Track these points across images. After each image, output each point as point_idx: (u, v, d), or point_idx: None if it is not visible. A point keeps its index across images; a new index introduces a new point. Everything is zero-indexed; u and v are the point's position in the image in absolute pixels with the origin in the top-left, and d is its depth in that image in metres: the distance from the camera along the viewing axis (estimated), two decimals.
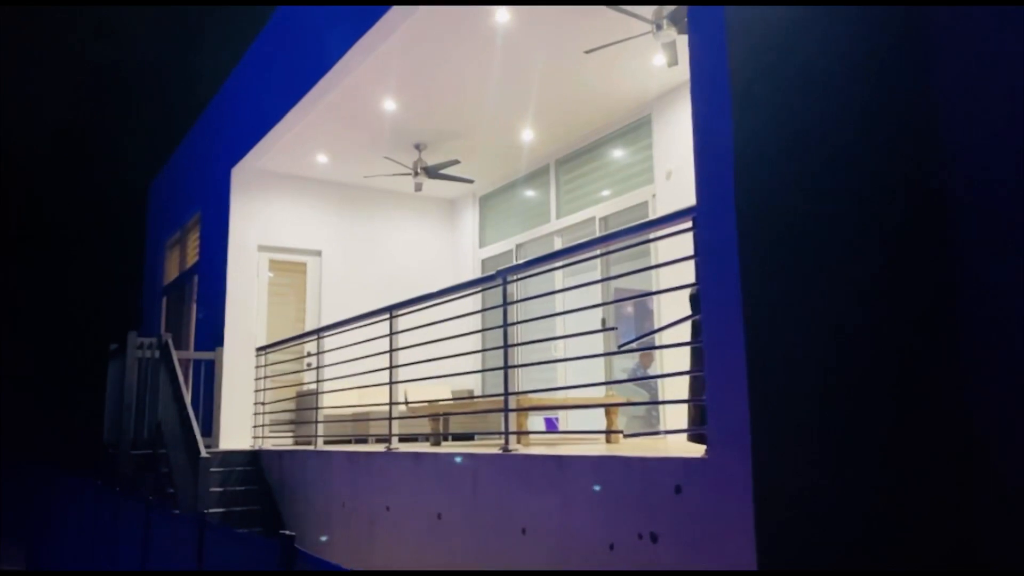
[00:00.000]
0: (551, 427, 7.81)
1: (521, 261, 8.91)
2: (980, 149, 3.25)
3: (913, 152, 3.38)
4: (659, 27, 5.38)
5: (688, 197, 3.07)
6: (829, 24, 3.26)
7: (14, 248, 19.14)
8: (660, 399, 6.52)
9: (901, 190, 3.33)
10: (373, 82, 7.01)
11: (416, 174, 8.45)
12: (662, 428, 6.08)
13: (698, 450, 3.05)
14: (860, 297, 3.10)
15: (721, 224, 2.84)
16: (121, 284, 15.52)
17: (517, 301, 4.69)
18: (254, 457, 7.52)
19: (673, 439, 4.28)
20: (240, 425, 8.12)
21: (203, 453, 6.23)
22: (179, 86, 19.20)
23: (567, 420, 7.31)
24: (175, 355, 7.33)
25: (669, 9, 5.36)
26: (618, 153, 8.07)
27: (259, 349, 8.25)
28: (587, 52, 6.00)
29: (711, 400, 2.88)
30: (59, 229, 19.63)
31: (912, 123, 3.41)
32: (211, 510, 6.25)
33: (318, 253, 9.36)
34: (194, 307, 10.09)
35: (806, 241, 2.98)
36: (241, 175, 8.98)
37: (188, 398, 7.02)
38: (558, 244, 8.67)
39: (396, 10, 5.74)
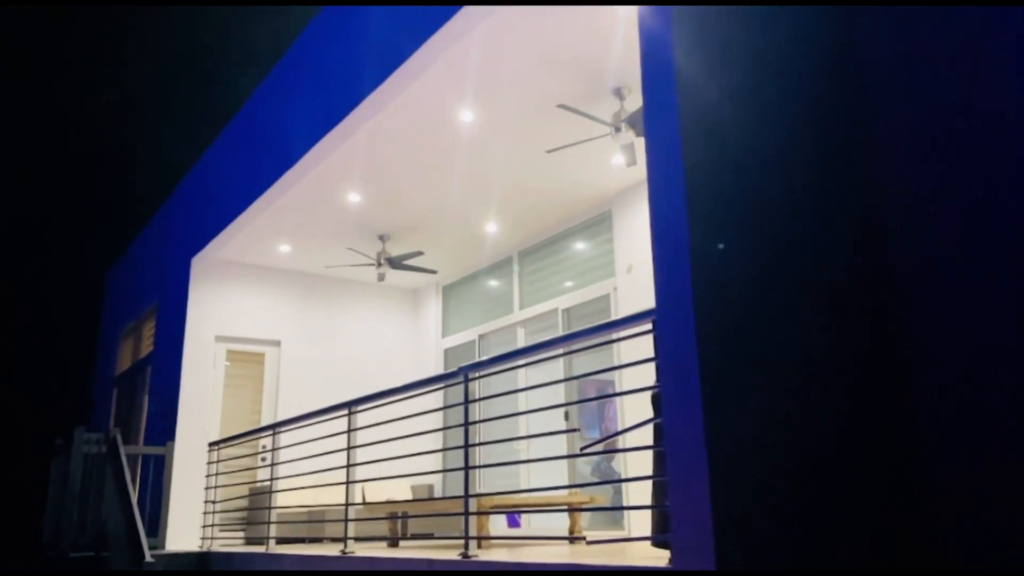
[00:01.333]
0: (513, 523, 7.60)
1: (484, 355, 8.87)
2: (913, 193, 3.35)
3: (856, 225, 3.48)
4: (617, 129, 5.56)
5: (649, 290, 3.09)
6: (779, 118, 3.40)
7: None
8: (624, 499, 6.40)
9: (851, 262, 3.41)
10: (338, 175, 7.08)
11: (379, 264, 8.45)
12: (628, 531, 5.95)
13: (663, 557, 2.96)
14: (821, 386, 3.11)
15: (680, 327, 2.85)
16: (71, 373, 15.03)
17: (479, 399, 4.62)
18: (202, 559, 7.15)
19: (638, 545, 4.18)
20: (189, 524, 7.75)
21: (147, 557, 5.91)
22: (140, 175, 19.23)
23: (529, 521, 7.12)
24: (123, 451, 7.04)
25: (628, 112, 5.56)
26: (580, 246, 8.19)
27: (212, 444, 7.97)
28: (549, 151, 6.16)
29: (674, 505, 2.82)
30: (7, 315, 19.09)
31: (855, 197, 3.52)
32: None
33: (277, 343, 9.21)
34: (146, 399, 9.78)
35: (765, 334, 3.01)
36: (201, 264, 8.89)
37: (135, 496, 6.71)
38: (521, 335, 8.66)
39: (361, 108, 5.86)
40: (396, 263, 8.44)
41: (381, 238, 8.49)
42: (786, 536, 2.82)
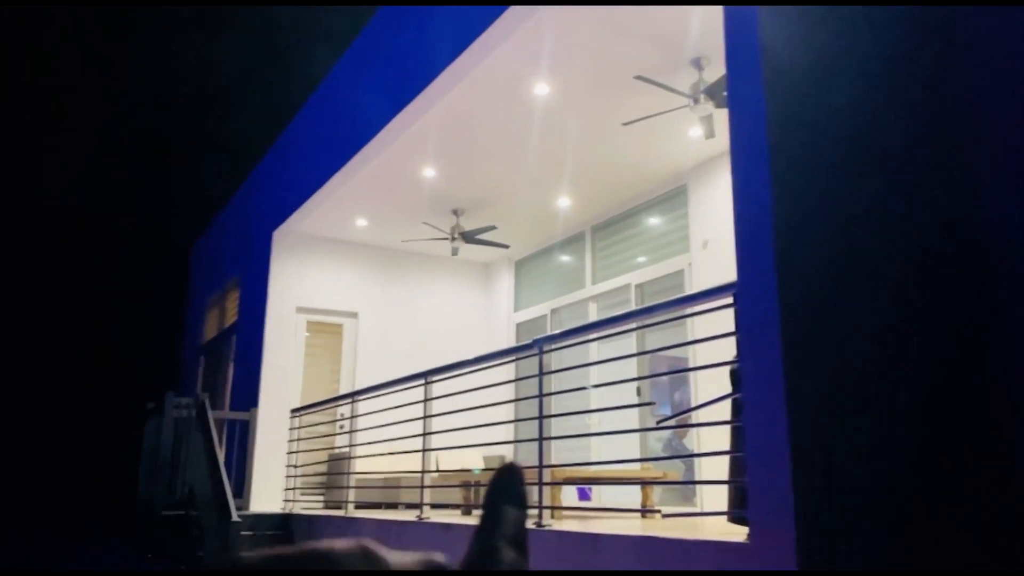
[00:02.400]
0: (583, 496, 7.65)
1: (557, 327, 8.90)
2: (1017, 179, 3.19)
3: (951, 193, 3.33)
4: (696, 101, 5.45)
5: (724, 266, 3.06)
6: (875, 91, 3.27)
7: (59, 307, 19.65)
8: (696, 474, 6.35)
9: (943, 244, 3.28)
10: (414, 150, 7.17)
11: (453, 239, 8.55)
12: (700, 506, 5.92)
13: (740, 532, 2.95)
14: (907, 366, 3.02)
15: (763, 302, 2.81)
16: (161, 343, 15.78)
17: (553, 371, 4.65)
18: (284, 521, 7.46)
19: (712, 520, 4.16)
20: (271, 487, 8.09)
21: (234, 517, 6.20)
22: (223, 153, 19.86)
23: (600, 494, 7.15)
24: (211, 415, 7.37)
25: (706, 83, 5.44)
26: (654, 221, 8.10)
27: (294, 411, 8.27)
28: (625, 124, 6.09)
29: (752, 482, 2.79)
30: (104, 290, 20.14)
31: (953, 172, 3.37)
32: None
33: (355, 315, 9.45)
34: (231, 367, 10.20)
35: (849, 312, 2.93)
36: (282, 238, 9.17)
37: (222, 459, 7.03)
38: (593, 310, 8.64)
39: (436, 83, 5.91)
40: (469, 237, 8.52)
41: (455, 212, 8.58)
42: (868, 515, 2.76)
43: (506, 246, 9.12)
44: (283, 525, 7.42)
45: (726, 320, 3.29)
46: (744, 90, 3.11)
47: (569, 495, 7.42)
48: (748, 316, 2.91)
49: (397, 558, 0.35)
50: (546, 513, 4.27)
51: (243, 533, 6.54)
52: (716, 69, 5.49)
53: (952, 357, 3.16)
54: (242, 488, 8.01)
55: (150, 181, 21.75)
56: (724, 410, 3.47)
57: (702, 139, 6.29)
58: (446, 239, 8.66)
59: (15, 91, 20.32)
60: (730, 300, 3.13)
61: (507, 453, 8.86)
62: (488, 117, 6.49)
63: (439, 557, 0.37)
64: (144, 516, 7.97)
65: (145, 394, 8.84)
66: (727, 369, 3.45)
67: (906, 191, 3.28)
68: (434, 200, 8.29)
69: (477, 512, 4.79)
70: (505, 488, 0.43)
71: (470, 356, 5.55)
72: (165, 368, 14.52)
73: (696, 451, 6.51)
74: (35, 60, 20.75)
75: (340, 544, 0.34)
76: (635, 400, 6.90)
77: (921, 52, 3.51)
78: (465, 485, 5.96)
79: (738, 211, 3.06)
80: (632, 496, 6.60)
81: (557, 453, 7.57)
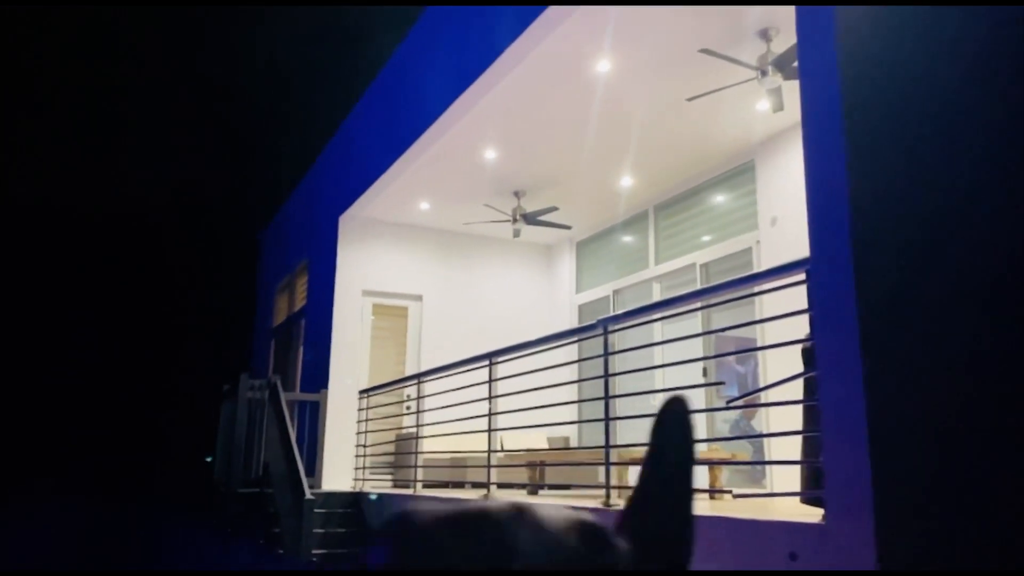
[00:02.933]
0: None
1: (619, 308, 8.83)
2: None
3: None
4: (764, 73, 5.30)
5: (794, 244, 2.98)
6: (951, 60, 3.12)
7: (136, 295, 20.47)
8: (765, 455, 6.24)
9: None
10: (475, 132, 7.18)
11: (515, 221, 8.55)
12: (770, 488, 5.82)
13: (814, 514, 2.89)
14: (994, 347, 2.89)
15: (838, 278, 2.72)
16: (234, 327, 16.31)
17: (618, 351, 4.62)
18: (355, 499, 7.65)
19: (784, 501, 4.08)
20: (341, 466, 8.29)
21: (308, 495, 6.38)
22: (289, 140, 20.29)
23: None
24: (283, 396, 7.59)
25: (775, 55, 5.28)
26: (720, 199, 7.93)
27: (362, 392, 8.45)
28: (689, 100, 5.97)
29: (828, 462, 2.73)
30: (178, 276, 20.90)
31: None
32: (315, 551, 6.38)
33: (419, 298, 9.57)
34: (301, 349, 10.46)
35: (927, 291, 2.82)
36: (348, 223, 9.33)
37: (294, 438, 7.24)
38: (656, 290, 8.54)
39: (498, 64, 5.89)
40: (531, 219, 8.51)
41: (516, 194, 8.57)
42: (949, 499, 2.67)
43: (568, 227, 9.08)
44: (353, 503, 7.61)
45: (796, 298, 3.20)
46: (816, 59, 3.01)
47: (635, 476, 7.39)
48: (822, 292, 2.83)
49: (549, 513, 0.35)
50: (613, 493, 4.26)
51: (316, 510, 6.73)
52: (784, 39, 5.32)
53: None
54: (314, 467, 8.23)
55: (222, 169, 22.39)
56: (794, 390, 3.39)
57: (770, 113, 6.12)
58: (508, 221, 8.67)
59: (91, 83, 21.14)
60: (803, 277, 3.04)
61: (572, 434, 8.88)
62: (549, 96, 6.45)
63: (587, 516, 0.37)
64: (222, 494, 8.27)
65: (220, 376, 9.16)
66: (798, 348, 3.37)
67: (995, 164, 3.12)
68: (495, 182, 8.29)
69: (542, 492, 4.82)
70: (671, 423, 0.42)
71: (533, 337, 5.56)
72: (238, 351, 15.00)
73: (764, 432, 6.39)
74: (109, 51, 21.51)
75: (493, 504, 0.34)
76: (701, 381, 6.81)
77: (1006, 15, 3.32)
78: (531, 465, 5.99)
79: (811, 185, 2.97)
80: (699, 477, 6.53)
81: (623, 434, 7.54)
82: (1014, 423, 2.86)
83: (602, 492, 4.36)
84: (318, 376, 9.00)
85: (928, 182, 2.95)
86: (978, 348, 2.88)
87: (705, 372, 6.99)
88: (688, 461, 0.41)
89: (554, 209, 8.44)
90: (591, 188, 8.41)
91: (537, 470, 5.98)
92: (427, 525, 0.32)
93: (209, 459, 11.68)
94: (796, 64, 4.37)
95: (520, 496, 5.65)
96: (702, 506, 4.43)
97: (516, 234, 8.84)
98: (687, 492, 0.40)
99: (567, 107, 6.61)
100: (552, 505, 0.37)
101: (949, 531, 2.64)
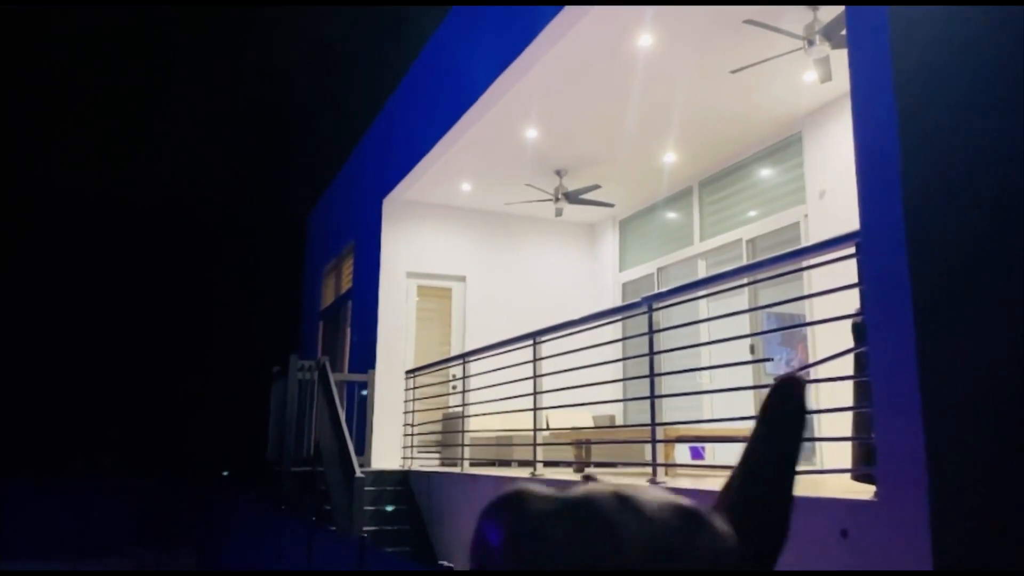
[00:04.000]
0: (696, 456, 7.58)
1: (663, 286, 8.77)
2: None
3: None
4: (811, 43, 5.17)
5: (843, 217, 2.92)
6: (1002, 27, 3.01)
7: (188, 277, 20.97)
8: (816, 431, 6.16)
9: None
10: (516, 111, 7.16)
11: (557, 200, 8.53)
12: (820, 464, 5.75)
13: (865, 491, 2.85)
14: None
15: (890, 250, 2.66)
16: (282, 309, 16.62)
17: (663, 329, 4.60)
18: (404, 477, 7.78)
19: (833, 478, 4.03)
20: (390, 445, 8.43)
21: (358, 473, 6.51)
22: (333, 123, 20.46)
23: (713, 452, 7.06)
24: (332, 377, 7.73)
25: (822, 23, 5.14)
26: (766, 173, 7.79)
27: (408, 372, 8.56)
28: (733, 72, 5.86)
29: (881, 438, 2.69)
30: (228, 259, 21.34)
31: None
32: (365, 528, 6.52)
33: (463, 279, 9.62)
34: (348, 331, 10.63)
35: (982, 264, 2.74)
36: (391, 205, 9.42)
37: (343, 418, 7.38)
38: (701, 267, 8.45)
39: (538, 41, 5.85)
40: (573, 198, 8.47)
41: (558, 173, 8.53)
42: (1005, 472, 2.61)
43: (611, 205, 9.02)
44: (403, 481, 7.74)
45: (845, 273, 3.14)
46: (865, 27, 2.93)
47: (682, 454, 7.37)
48: (874, 266, 2.77)
49: (649, 498, 0.35)
50: (660, 471, 4.26)
51: (366, 488, 6.87)
52: (832, 8, 5.17)
53: None
54: (363, 446, 8.39)
55: (269, 151, 22.72)
56: (844, 366, 3.33)
57: (817, 83, 5.98)
58: (550, 200, 8.64)
59: (135, 68, 21.57)
60: (852, 251, 2.98)
61: (617, 412, 8.88)
62: (591, 73, 6.39)
63: (686, 500, 0.38)
64: (274, 472, 8.49)
65: (270, 357, 9.36)
66: (848, 324, 3.31)
67: None
68: (537, 161, 8.27)
69: (589, 469, 4.83)
70: (783, 403, 0.42)
71: (576, 317, 5.56)
72: (287, 333, 15.30)
73: (814, 408, 6.30)
74: (151, 36, 21.91)
75: (597, 491, 0.35)
76: (748, 357, 6.74)
77: None
78: (577, 443, 6.02)
79: (861, 156, 2.90)
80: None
81: (669, 412, 7.51)
82: None
83: (648, 470, 4.36)
84: (366, 357, 9.14)
85: (984, 155, 2.86)
86: None
87: (752, 348, 6.90)
88: (797, 445, 0.41)
89: (596, 187, 8.39)
90: (634, 165, 8.33)
91: (583, 448, 6.01)
92: (538, 512, 0.33)
93: (225, 473, 12.18)
94: (844, 32, 4.26)
95: (567, 474, 5.68)
96: None
97: (558, 213, 8.82)
98: (792, 476, 0.41)
99: (608, 83, 6.54)
100: (650, 487, 0.38)
101: (1006, 509, 2.58)
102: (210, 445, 16.63)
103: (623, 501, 0.33)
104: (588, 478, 0.38)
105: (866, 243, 2.81)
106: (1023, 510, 2.60)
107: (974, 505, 2.53)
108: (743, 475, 0.40)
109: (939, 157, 2.77)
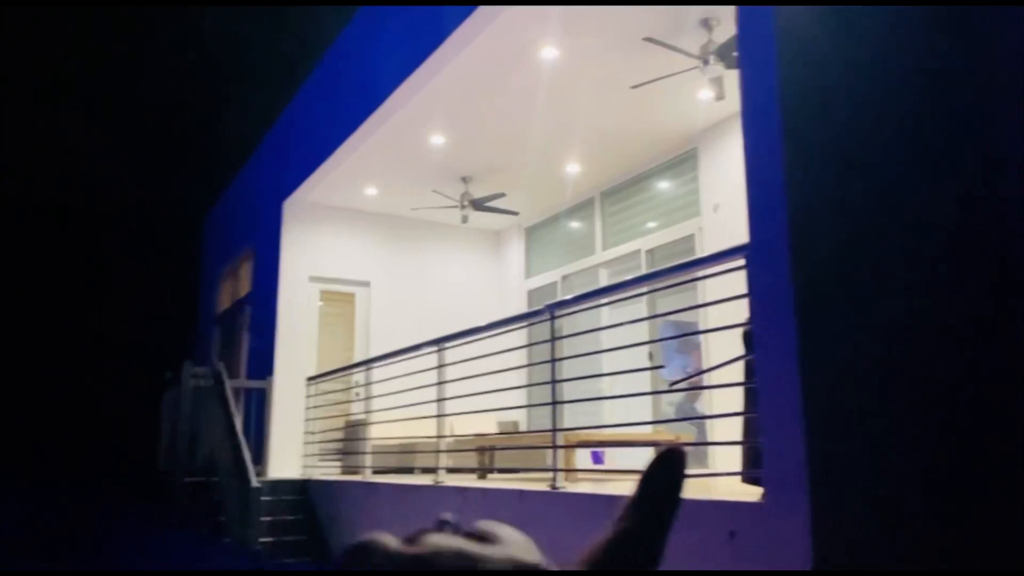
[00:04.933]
0: (597, 460, 7.73)
1: (568, 293, 8.91)
2: None
3: (970, 165, 3.30)
4: (706, 62, 5.39)
5: (736, 230, 3.06)
6: (885, 54, 3.23)
7: (76, 279, 19.83)
8: (708, 436, 6.40)
9: (958, 207, 3.25)
10: (422, 117, 7.14)
11: (463, 206, 8.54)
12: (711, 467, 5.98)
13: (753, 493, 2.99)
14: (926, 330, 3.02)
15: (774, 262, 2.81)
16: (177, 314, 15.93)
17: (565, 336, 4.68)
18: (303, 487, 7.60)
19: (724, 480, 4.21)
20: (290, 454, 8.22)
21: (254, 483, 6.32)
22: (234, 125, 19.81)
23: (614, 457, 7.22)
24: (228, 384, 7.47)
25: (716, 44, 5.37)
26: (664, 186, 8.05)
27: (309, 379, 8.36)
28: (633, 87, 6.04)
29: (768, 442, 2.82)
30: (119, 263, 20.30)
31: (970, 137, 3.33)
32: (262, 540, 6.32)
33: (367, 284, 9.49)
34: (246, 336, 10.29)
35: (861, 274, 2.93)
36: (293, 208, 9.19)
37: (240, 426, 7.14)
38: (604, 276, 8.65)
39: (444, 48, 5.86)
40: (479, 205, 8.51)
41: (464, 180, 8.55)
42: (883, 477, 2.79)
43: (516, 213, 9.11)
44: (302, 490, 7.55)
45: (737, 284, 3.29)
46: (755, 50, 3.08)
47: (583, 459, 7.50)
48: (760, 278, 2.91)
49: (498, 555, 0.34)
50: (560, 476, 4.33)
51: (262, 498, 6.67)
52: (726, 30, 5.42)
53: (977, 322, 3.15)
54: (260, 455, 8.14)
55: (162, 154, 21.77)
56: (735, 372, 3.49)
57: (712, 101, 6.23)
58: (455, 207, 8.65)
59: (24, 69, 20.29)
60: (743, 262, 3.13)
61: (521, 418, 8.95)
62: (496, 82, 6.44)
63: (534, 558, 0.37)
64: (166, 482, 8.12)
65: (164, 363, 8.97)
66: (739, 332, 3.47)
67: (929, 156, 3.24)
68: (443, 168, 8.26)
69: (492, 476, 4.84)
70: (664, 474, 0.42)
71: (483, 323, 5.58)
72: (182, 338, 14.67)
73: (709, 414, 6.55)
74: (42, 36, 20.68)
75: (441, 547, 0.34)
76: (647, 364, 6.94)
77: (941, 11, 3.44)
78: (480, 449, 6.04)
79: (750, 172, 3.05)
80: (645, 459, 6.66)
81: (570, 417, 7.63)
82: (947, 406, 3.00)
83: (550, 475, 4.42)
84: (264, 363, 8.88)
85: (862, 172, 3.06)
86: (910, 335, 3.00)
87: (651, 356, 7.11)
88: (673, 512, 0.41)
89: (502, 195, 8.46)
90: (539, 174, 8.45)
91: (487, 454, 6.03)
92: (375, 568, 0.33)
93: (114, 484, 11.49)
94: (736, 54, 4.46)
95: (470, 480, 5.69)
96: None
97: (464, 220, 8.83)
98: (664, 540, 0.41)
99: (514, 93, 6.62)
100: (514, 532, 0.37)
101: (885, 510, 2.76)
102: (99, 455, 15.75)
103: (464, 560, 0.33)
104: (444, 523, 0.37)
105: (754, 255, 2.96)
106: (901, 511, 2.78)
107: (854, 506, 2.69)
108: (614, 535, 0.41)
109: (821, 174, 2.94)
